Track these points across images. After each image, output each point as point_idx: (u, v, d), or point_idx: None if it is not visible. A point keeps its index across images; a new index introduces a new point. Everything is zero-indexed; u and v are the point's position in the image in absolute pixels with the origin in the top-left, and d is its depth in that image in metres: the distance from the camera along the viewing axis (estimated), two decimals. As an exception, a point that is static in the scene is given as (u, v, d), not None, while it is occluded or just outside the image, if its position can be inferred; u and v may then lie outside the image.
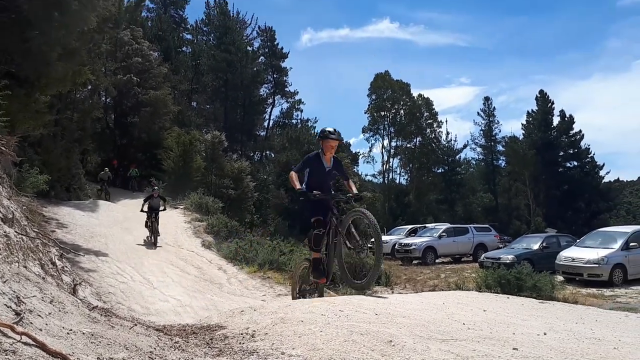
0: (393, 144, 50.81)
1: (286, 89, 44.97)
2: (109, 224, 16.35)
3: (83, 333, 3.40)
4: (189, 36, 46.18)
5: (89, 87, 22.52)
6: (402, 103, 50.38)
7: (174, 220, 18.32)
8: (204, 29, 45.04)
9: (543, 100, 49.23)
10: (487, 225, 25.45)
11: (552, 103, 49.14)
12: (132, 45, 28.53)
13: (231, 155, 29.36)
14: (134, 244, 14.43)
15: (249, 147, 42.30)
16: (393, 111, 50.46)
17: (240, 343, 4.45)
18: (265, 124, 45.28)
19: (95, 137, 27.10)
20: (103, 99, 29.50)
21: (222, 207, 20.67)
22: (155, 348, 3.94)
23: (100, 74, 24.48)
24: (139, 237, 15.29)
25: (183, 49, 43.90)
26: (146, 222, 15.17)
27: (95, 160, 29.69)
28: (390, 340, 4.02)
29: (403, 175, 52.13)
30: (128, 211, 20.26)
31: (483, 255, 18.87)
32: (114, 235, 14.73)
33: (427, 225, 27.91)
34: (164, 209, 15.50)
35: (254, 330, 4.71)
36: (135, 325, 4.75)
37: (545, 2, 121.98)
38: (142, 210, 15.17)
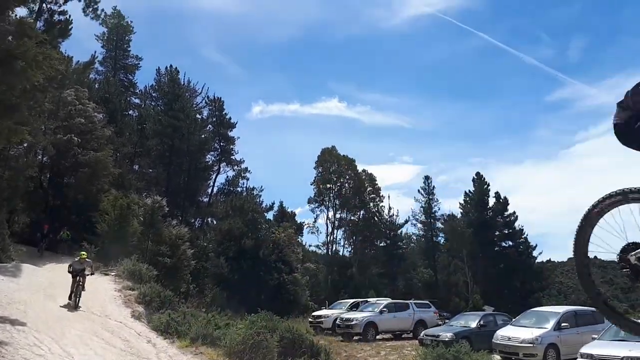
0: (337, 215, 51.44)
1: (232, 157, 45.18)
2: (31, 289, 15.19)
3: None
4: (137, 100, 46.12)
5: (25, 144, 21.69)
6: (347, 177, 51.62)
7: (104, 288, 17.28)
8: (153, 94, 45.19)
9: (479, 181, 51.78)
10: (427, 302, 25.62)
11: (488, 185, 51.78)
12: (75, 105, 28.00)
13: (170, 221, 28.52)
14: (57, 312, 13.41)
15: (190, 213, 41.43)
16: (338, 184, 51.52)
17: None
18: (209, 190, 44.86)
19: (25, 196, 25.77)
20: (39, 157, 28.38)
21: (156, 275, 19.77)
22: None
23: (39, 132, 23.71)
24: (63, 304, 14.27)
25: (129, 112, 43.60)
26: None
27: (23, 221, 28.07)
28: None
29: (346, 247, 52.45)
30: (54, 276, 18.97)
31: (423, 333, 18.87)
32: (35, 302, 13.65)
33: (368, 299, 27.75)
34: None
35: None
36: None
37: (481, 91, 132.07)
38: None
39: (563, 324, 15.17)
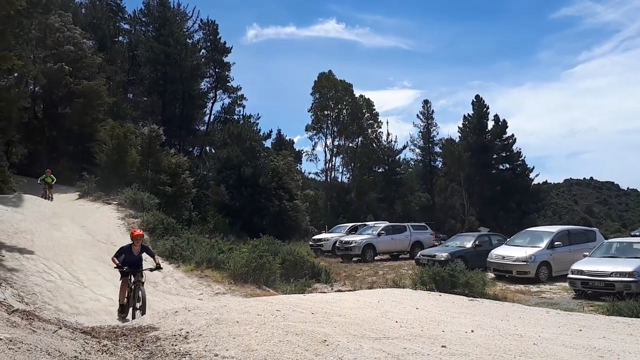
0: (336, 142, 51.42)
1: (228, 84, 44.28)
2: (36, 219, 15.45)
3: (0, 339, 3.19)
4: (126, 26, 44.44)
5: (15, 74, 21.17)
6: (344, 103, 50.96)
7: (107, 216, 17.60)
8: (143, 19, 43.47)
9: (479, 105, 51.24)
10: (423, 224, 26.13)
11: (487, 108, 51.28)
12: (63, 32, 27.03)
13: (168, 149, 28.46)
14: (63, 240, 13.72)
15: (187, 142, 41.28)
16: (336, 111, 50.97)
17: (172, 345, 4.34)
18: (206, 118, 44.43)
19: (21, 127, 25.54)
20: (31, 87, 27.83)
21: (158, 203, 20.04)
22: (80, 352, 3.77)
23: (29, 61, 23.07)
24: (69, 233, 14.57)
25: (119, 38, 42.17)
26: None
27: (21, 152, 28.06)
28: (325, 340, 4.05)
29: (345, 174, 52.85)
30: (57, 206, 19.25)
31: (419, 253, 19.35)
32: (41, 232, 13.93)
33: (367, 223, 28.32)
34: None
35: (188, 332, 4.61)
36: (60, 328, 4.52)
37: (483, 11, 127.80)
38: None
39: (556, 243, 15.54)
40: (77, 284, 10.29)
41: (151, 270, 9.07)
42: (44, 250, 11.95)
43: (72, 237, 14.27)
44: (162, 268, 9.66)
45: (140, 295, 8.53)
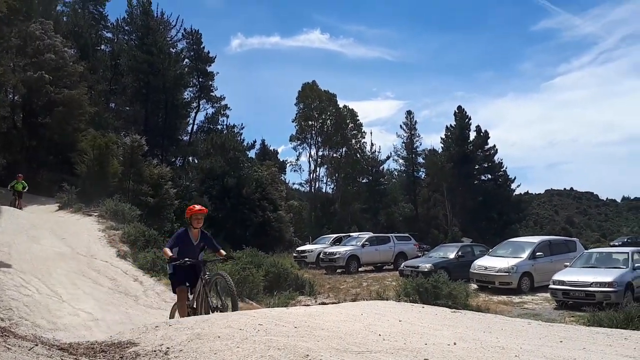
0: (320, 153, 51.60)
1: (212, 93, 44.21)
2: (14, 231, 15.12)
3: (-28, 358, 3.10)
4: (109, 34, 44.13)
5: (-6, 83, 20.84)
6: (328, 113, 51.23)
7: (87, 228, 17.29)
8: (126, 27, 43.24)
9: (461, 115, 51.90)
10: (407, 235, 26.27)
11: (469, 119, 51.99)
12: (44, 40, 26.68)
13: (151, 160, 28.18)
14: (41, 253, 13.44)
15: (170, 152, 40.94)
16: (320, 121, 51.20)
17: (152, 361, 4.26)
18: (189, 128, 44.19)
19: (0, 137, 25.08)
20: (10, 96, 27.39)
21: (140, 214, 19.76)
22: (56, 370, 3.68)
23: (8, 70, 22.72)
24: (47, 246, 14.28)
25: (102, 47, 41.82)
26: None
27: (-1, 163, 27.52)
28: (307, 355, 4.01)
29: (329, 185, 53.01)
30: (36, 218, 18.88)
31: (403, 264, 19.45)
32: (18, 244, 13.62)
33: (351, 234, 28.36)
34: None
35: (168, 347, 4.53)
36: (36, 345, 4.40)
37: (467, 23, 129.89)
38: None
39: (538, 253, 15.74)
40: (56, 298, 10.06)
41: (223, 261, 6.64)
42: (21, 264, 11.67)
43: (51, 249, 13.97)
44: (234, 258, 7.36)
45: (225, 286, 6.15)
